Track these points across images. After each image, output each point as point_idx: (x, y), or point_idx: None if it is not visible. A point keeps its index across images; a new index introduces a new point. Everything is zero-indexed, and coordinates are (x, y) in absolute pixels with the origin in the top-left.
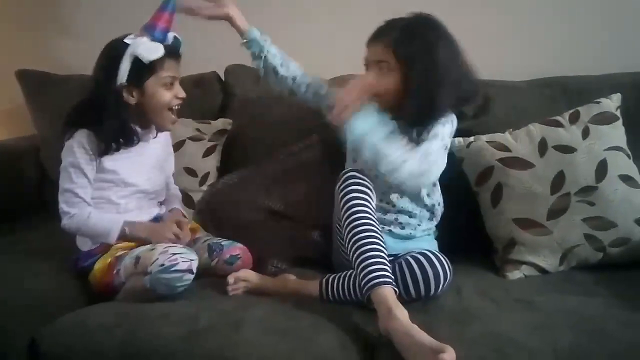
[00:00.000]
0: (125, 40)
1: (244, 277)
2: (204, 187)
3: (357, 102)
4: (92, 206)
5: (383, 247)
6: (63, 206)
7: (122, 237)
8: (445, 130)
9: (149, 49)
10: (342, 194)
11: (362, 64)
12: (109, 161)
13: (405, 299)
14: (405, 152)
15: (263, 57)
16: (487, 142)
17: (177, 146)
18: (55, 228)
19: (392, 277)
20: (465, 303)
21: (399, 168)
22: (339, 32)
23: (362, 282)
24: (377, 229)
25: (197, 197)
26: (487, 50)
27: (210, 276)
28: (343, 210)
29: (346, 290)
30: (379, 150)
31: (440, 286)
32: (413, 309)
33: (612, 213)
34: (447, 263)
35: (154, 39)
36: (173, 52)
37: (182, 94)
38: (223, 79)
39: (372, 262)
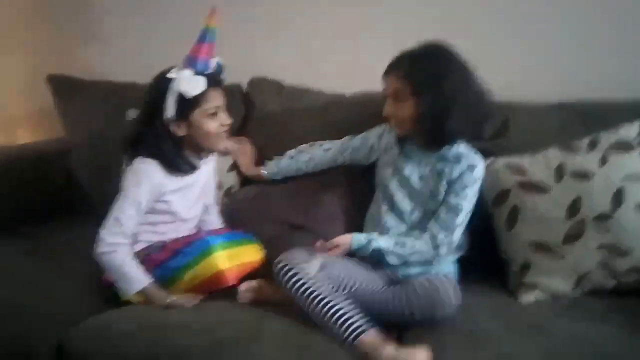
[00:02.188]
0: (169, 76)
1: (259, 286)
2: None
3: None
4: (129, 241)
5: (340, 298)
6: (103, 232)
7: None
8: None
9: (192, 85)
10: (288, 287)
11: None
12: (169, 194)
13: (411, 321)
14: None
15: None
16: (504, 164)
17: None
18: (81, 232)
19: (367, 317)
20: (478, 325)
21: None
22: (359, 48)
23: (345, 338)
24: (328, 291)
25: None
26: (507, 71)
27: None
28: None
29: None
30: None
31: (445, 311)
32: (426, 330)
33: (628, 241)
34: (456, 289)
35: (196, 72)
36: (215, 81)
37: (228, 121)
38: (245, 91)
39: (342, 315)
